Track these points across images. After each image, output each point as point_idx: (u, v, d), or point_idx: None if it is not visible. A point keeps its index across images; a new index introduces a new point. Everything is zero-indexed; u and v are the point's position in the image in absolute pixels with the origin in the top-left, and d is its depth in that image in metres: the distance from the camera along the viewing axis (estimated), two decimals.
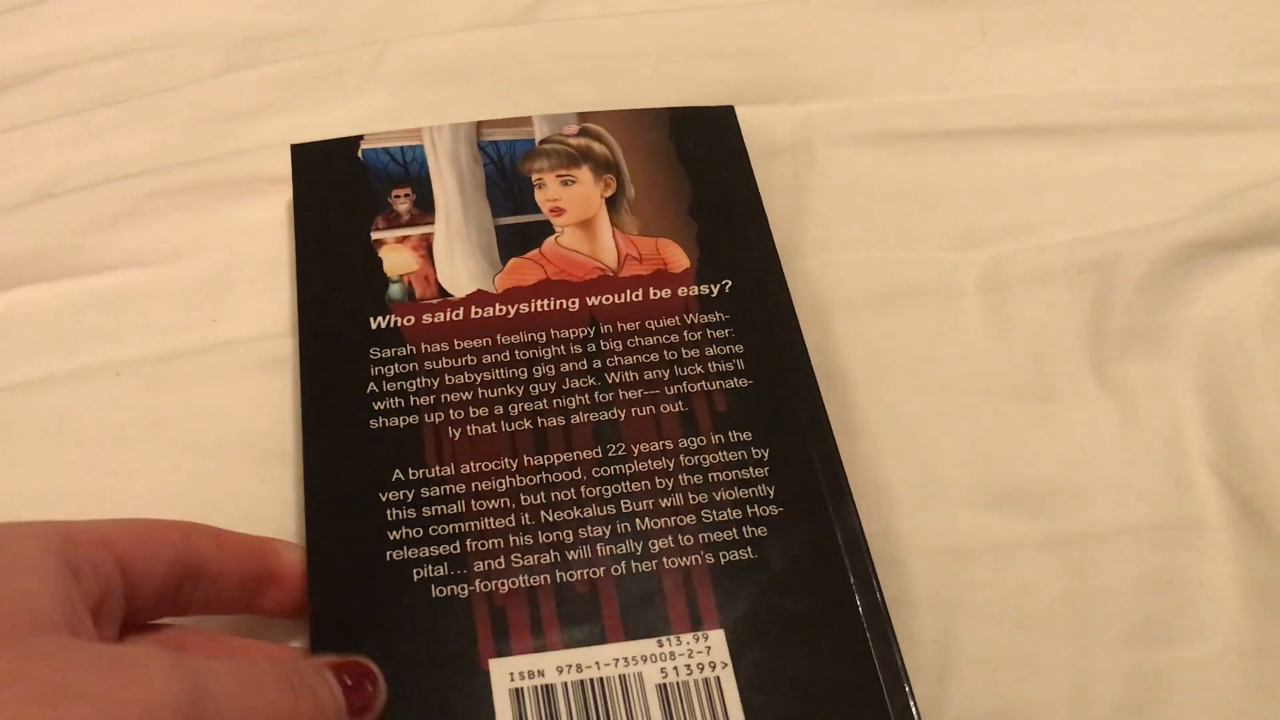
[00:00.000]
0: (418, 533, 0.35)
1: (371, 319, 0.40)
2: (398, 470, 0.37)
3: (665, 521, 0.36)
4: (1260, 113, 0.47)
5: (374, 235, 0.42)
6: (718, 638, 0.34)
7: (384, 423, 0.37)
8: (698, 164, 0.44)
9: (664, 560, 0.35)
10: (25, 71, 0.51)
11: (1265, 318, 0.43)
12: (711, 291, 0.41)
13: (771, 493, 0.37)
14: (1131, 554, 0.39)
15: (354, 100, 0.49)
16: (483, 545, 0.35)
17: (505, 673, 0.33)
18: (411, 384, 0.38)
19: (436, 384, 0.38)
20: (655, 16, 0.51)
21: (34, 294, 0.44)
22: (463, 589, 0.35)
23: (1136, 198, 0.46)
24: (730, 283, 0.41)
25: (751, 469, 0.37)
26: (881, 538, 0.39)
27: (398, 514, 0.36)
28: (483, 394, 0.38)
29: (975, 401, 0.42)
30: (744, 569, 0.35)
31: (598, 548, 0.36)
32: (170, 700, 0.25)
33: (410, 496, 0.36)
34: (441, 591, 0.34)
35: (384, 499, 0.36)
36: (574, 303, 0.40)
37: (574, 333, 0.40)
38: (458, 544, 0.35)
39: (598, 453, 0.37)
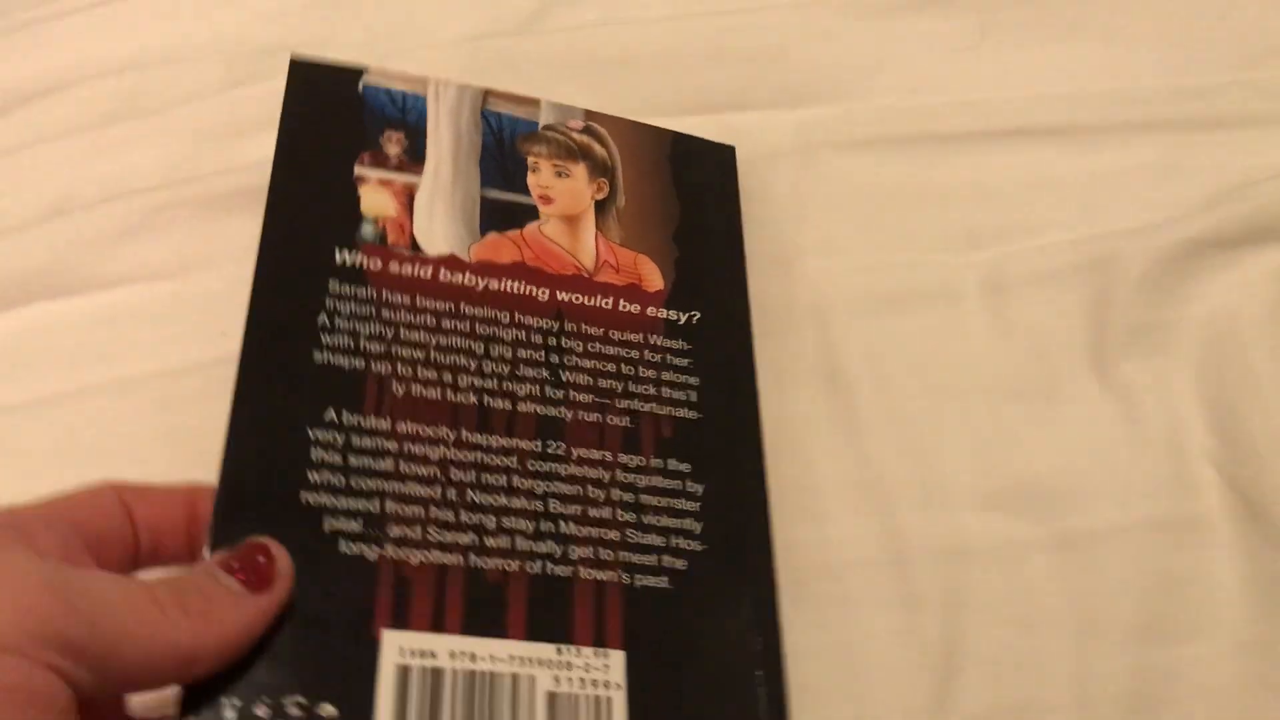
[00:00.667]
0: (340, 480, 0.33)
1: (337, 251, 0.38)
2: (332, 410, 0.35)
3: (590, 531, 0.35)
4: (1259, 109, 0.47)
5: (357, 170, 0.40)
6: (618, 659, 0.33)
7: (329, 359, 0.35)
8: (691, 192, 0.43)
9: (581, 569, 0.34)
10: (34, 89, 0.51)
11: (1266, 315, 0.42)
12: (679, 319, 0.40)
13: (698, 529, 0.36)
14: (1135, 553, 0.39)
15: None
16: (403, 510, 0.34)
17: (396, 646, 0.31)
18: (366, 327, 0.36)
19: (391, 334, 0.37)
20: (656, 23, 0.51)
21: (46, 310, 0.44)
22: (373, 550, 0.33)
23: (1136, 196, 0.46)
24: (699, 315, 0.40)
25: (684, 500, 0.37)
26: (886, 539, 0.39)
27: (323, 456, 0.34)
28: (435, 357, 0.37)
29: (978, 402, 0.42)
30: (657, 597, 0.35)
31: (518, 541, 0.34)
32: (42, 606, 0.25)
33: (340, 441, 0.34)
34: (351, 548, 0.33)
35: (312, 436, 0.34)
36: (544, 293, 0.39)
37: (538, 322, 0.38)
38: (378, 503, 0.33)
39: (537, 446, 0.36)
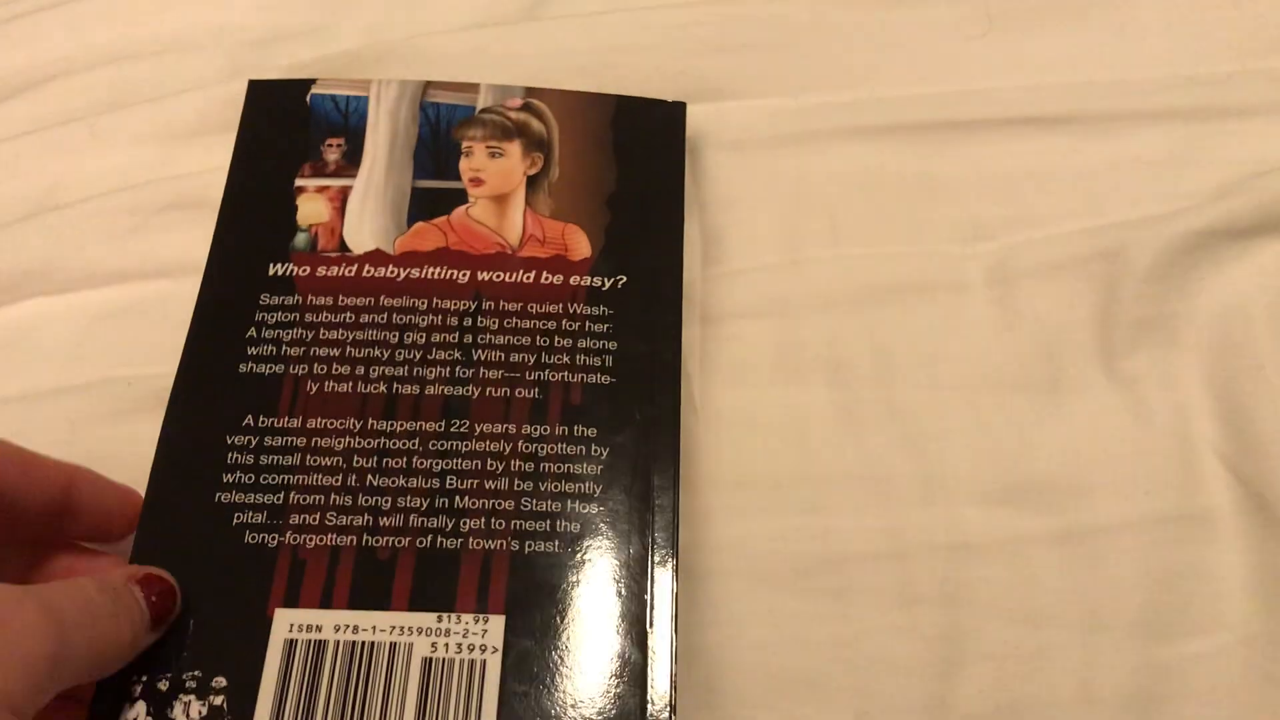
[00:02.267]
0: (249, 479, 0.36)
1: (271, 265, 0.40)
2: (249, 416, 0.37)
3: (484, 503, 0.36)
4: (1268, 99, 0.47)
5: (297, 182, 0.42)
6: (497, 623, 0.35)
7: (252, 368, 0.38)
8: (631, 156, 0.44)
9: (470, 540, 0.36)
10: (31, 79, 0.51)
11: (1275, 306, 0.42)
12: (603, 285, 0.41)
13: (597, 491, 0.37)
14: (1140, 547, 0.39)
15: None
16: (304, 500, 0.36)
17: (286, 623, 0.34)
18: (287, 334, 0.39)
19: (311, 336, 0.39)
20: (659, 11, 0.51)
21: (44, 306, 0.44)
22: (273, 539, 0.35)
23: (1144, 187, 0.45)
24: (625, 279, 0.41)
25: (585, 465, 0.37)
26: (889, 534, 0.39)
27: (237, 458, 0.36)
28: (350, 352, 0.39)
29: (983, 395, 0.42)
30: (547, 561, 0.36)
31: (410, 518, 0.36)
32: (45, 650, 0.28)
33: (253, 443, 0.37)
34: (254, 538, 0.35)
35: (229, 441, 0.37)
36: (464, 275, 0.40)
37: (455, 304, 0.40)
38: (281, 495, 0.36)
39: (440, 426, 0.38)
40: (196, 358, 0.38)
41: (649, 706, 0.34)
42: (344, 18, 0.53)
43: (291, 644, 0.34)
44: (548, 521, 0.36)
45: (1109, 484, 0.40)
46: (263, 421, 0.37)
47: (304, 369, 0.38)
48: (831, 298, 0.44)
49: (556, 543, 0.36)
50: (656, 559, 0.36)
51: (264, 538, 0.35)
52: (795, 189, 0.46)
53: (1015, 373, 0.42)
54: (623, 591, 0.36)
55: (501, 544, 0.36)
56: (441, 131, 0.43)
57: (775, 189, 0.46)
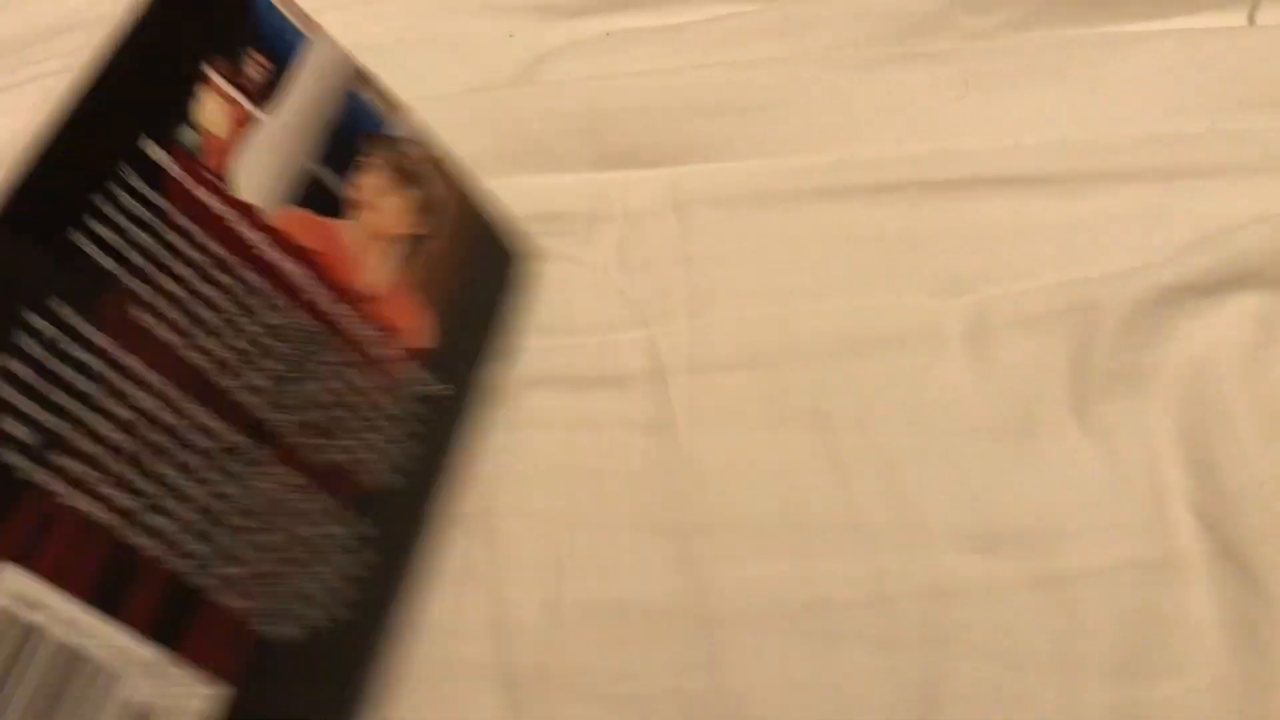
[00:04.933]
0: (32, 377, 0.28)
1: (146, 140, 0.31)
2: (60, 302, 0.29)
3: (249, 554, 0.33)
4: (1236, 158, 0.48)
5: (207, 69, 0.33)
6: (213, 691, 0.31)
7: (84, 244, 0.29)
8: (481, 278, 0.43)
9: (220, 591, 0.32)
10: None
11: (1243, 359, 0.43)
12: (430, 384, 0.40)
13: (352, 593, 0.36)
14: (1115, 592, 0.39)
15: None
16: (83, 446, 0.29)
17: (9, 586, 0.27)
18: (138, 236, 0.30)
19: (162, 257, 0.31)
20: (648, 76, 0.53)
21: None
22: (27, 467, 0.28)
23: (1117, 243, 0.46)
24: (451, 390, 0.41)
25: (352, 562, 0.36)
26: (869, 579, 0.40)
27: (26, 344, 0.28)
28: (191, 307, 0.32)
29: (960, 444, 0.42)
30: (282, 646, 0.34)
31: (177, 532, 0.31)
32: None
33: (52, 337, 0.28)
34: (8, 457, 0.28)
35: (24, 318, 0.28)
36: (326, 297, 0.36)
37: (306, 322, 0.35)
38: (63, 422, 0.29)
39: (240, 444, 0.33)
40: (21, 203, 0.28)
41: None
42: None
43: (3, 612, 0.27)
44: (298, 604, 0.34)
45: (1083, 530, 0.40)
46: (72, 320, 0.29)
47: (140, 288, 0.30)
48: (814, 349, 0.45)
49: (298, 630, 0.34)
50: (359, 690, 0.36)
51: (16, 461, 0.27)
52: (780, 245, 0.48)
53: (992, 422, 0.43)
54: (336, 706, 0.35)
55: (248, 606, 0.32)
56: (353, 130, 0.38)
57: (760, 245, 0.47)
